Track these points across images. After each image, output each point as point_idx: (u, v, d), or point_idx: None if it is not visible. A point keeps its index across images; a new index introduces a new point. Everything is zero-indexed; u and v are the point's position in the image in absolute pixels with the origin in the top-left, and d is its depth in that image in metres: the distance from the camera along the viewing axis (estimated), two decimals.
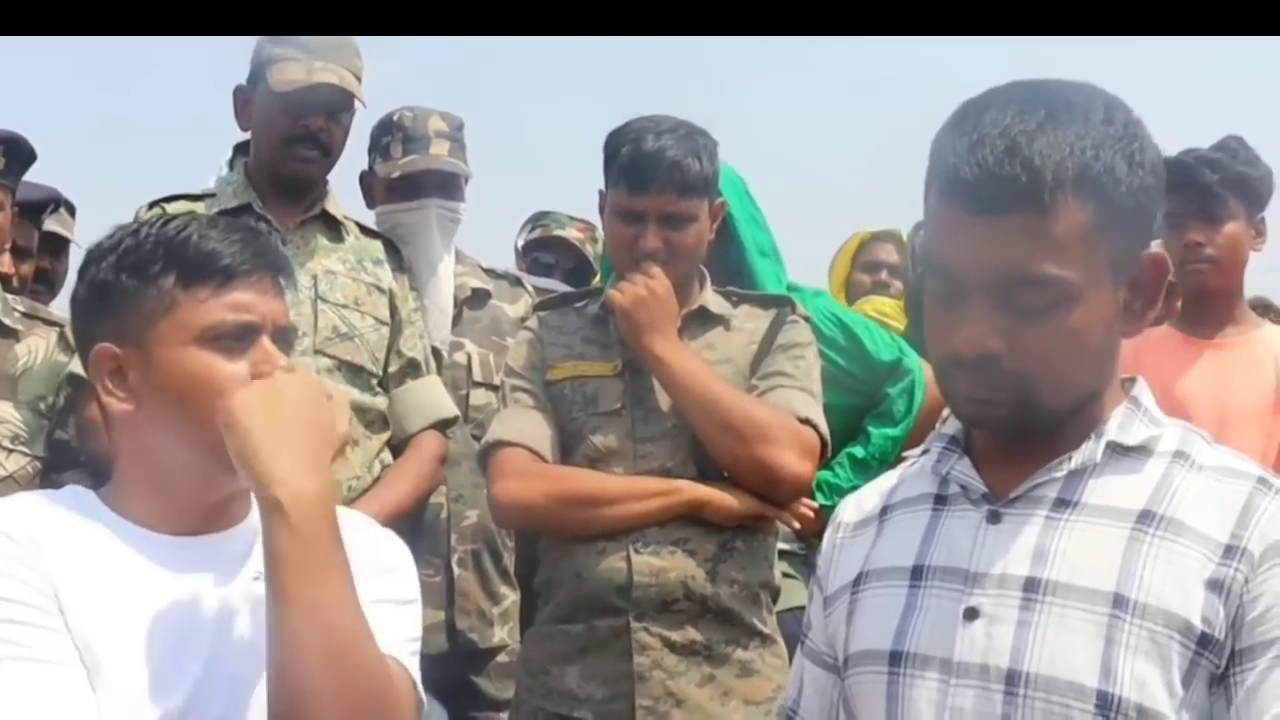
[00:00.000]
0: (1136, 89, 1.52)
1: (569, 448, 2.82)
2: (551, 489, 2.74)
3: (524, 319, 3.53)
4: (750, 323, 2.88)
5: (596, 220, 4.07)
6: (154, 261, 1.64)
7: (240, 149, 4.22)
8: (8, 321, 3.06)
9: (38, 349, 3.07)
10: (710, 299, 2.89)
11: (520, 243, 4.23)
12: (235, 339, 1.62)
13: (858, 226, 4.94)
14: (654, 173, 2.74)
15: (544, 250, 4.12)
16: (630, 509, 2.71)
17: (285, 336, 1.67)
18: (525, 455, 2.77)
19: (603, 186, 2.86)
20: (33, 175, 3.32)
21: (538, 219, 4.22)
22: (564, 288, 3.86)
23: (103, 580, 1.57)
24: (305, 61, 3.03)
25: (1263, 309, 4.22)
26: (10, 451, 2.97)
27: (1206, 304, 3.28)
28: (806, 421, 2.71)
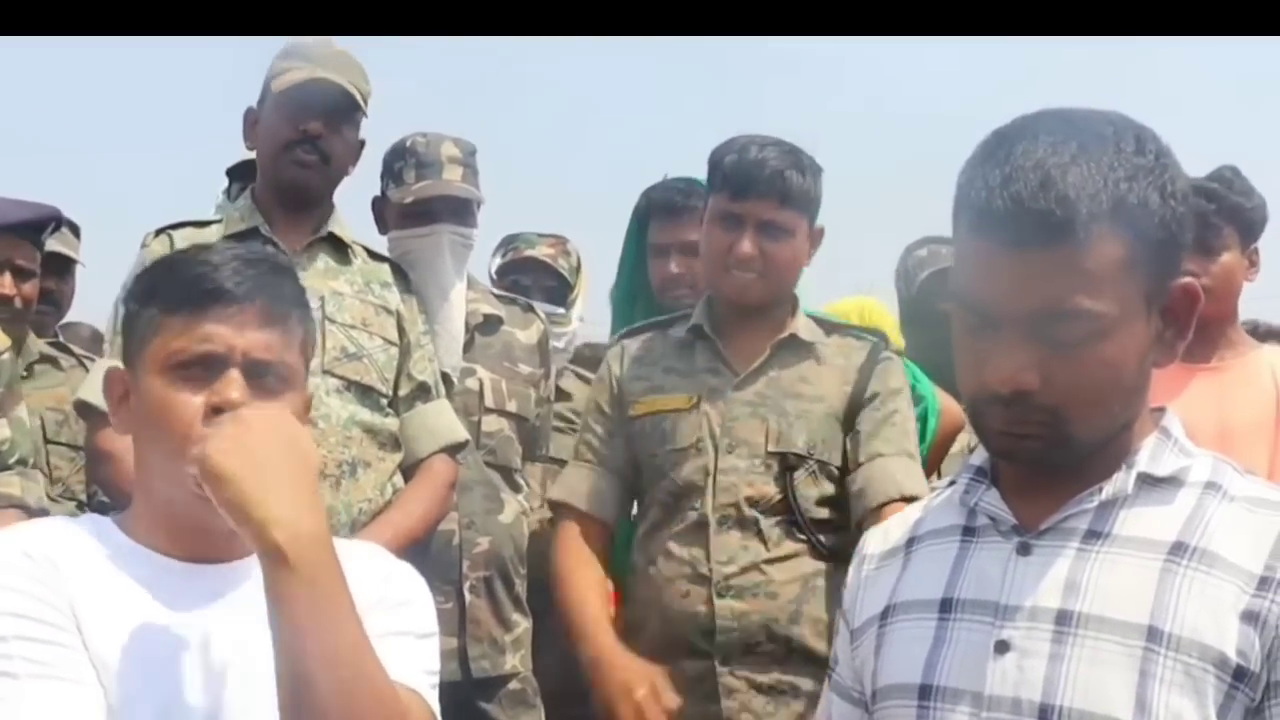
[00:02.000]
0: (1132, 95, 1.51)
1: (651, 483, 2.86)
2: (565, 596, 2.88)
3: (539, 342, 3.55)
4: (842, 358, 2.87)
5: (566, 234, 4.12)
6: (151, 287, 1.66)
7: (234, 175, 4.23)
8: None
9: None
10: (802, 325, 2.89)
11: (493, 268, 4.22)
12: (201, 368, 1.60)
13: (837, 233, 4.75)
14: (756, 178, 2.77)
15: (519, 273, 4.11)
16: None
17: (262, 370, 1.62)
18: (571, 527, 2.90)
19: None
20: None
21: (508, 242, 4.20)
22: (548, 307, 3.89)
23: (119, 605, 1.57)
24: (308, 69, 3.03)
25: (1263, 333, 4.23)
26: None
27: (1201, 331, 3.27)
28: (909, 498, 2.63)
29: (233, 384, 1.58)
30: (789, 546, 2.76)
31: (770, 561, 2.74)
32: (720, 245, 2.82)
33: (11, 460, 3.06)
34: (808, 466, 2.79)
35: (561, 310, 4.01)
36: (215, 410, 1.57)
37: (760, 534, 2.76)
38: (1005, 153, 1.40)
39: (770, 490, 2.77)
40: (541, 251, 4.05)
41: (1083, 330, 1.39)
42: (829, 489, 2.81)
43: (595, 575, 2.87)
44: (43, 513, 2.82)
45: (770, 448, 2.79)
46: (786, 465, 2.78)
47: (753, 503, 2.76)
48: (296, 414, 1.63)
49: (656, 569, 2.83)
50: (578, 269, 4.15)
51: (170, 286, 1.64)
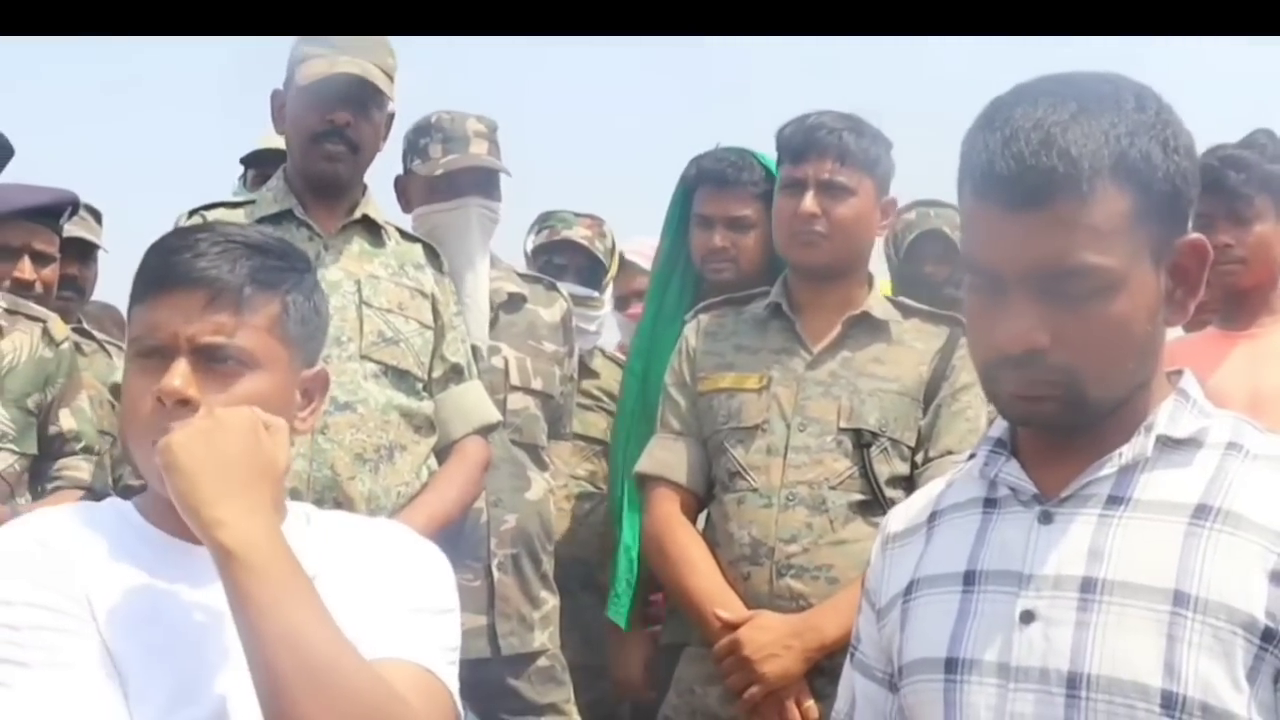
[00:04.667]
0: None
1: (713, 459, 2.89)
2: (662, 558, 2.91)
3: (562, 320, 3.56)
4: (920, 341, 2.89)
5: (603, 215, 4.12)
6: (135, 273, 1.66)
7: (249, 161, 4.24)
8: None
9: (22, 345, 3.08)
10: (876, 303, 2.90)
11: (529, 247, 4.22)
12: (158, 357, 1.59)
13: None
14: (812, 139, 2.82)
15: (555, 253, 4.10)
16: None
17: (214, 355, 1.59)
18: (671, 499, 2.90)
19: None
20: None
21: (543, 220, 4.18)
22: (581, 289, 3.91)
23: (133, 590, 1.57)
24: (330, 57, 3.03)
25: None
26: None
27: (1240, 300, 3.27)
28: None
29: (176, 374, 1.57)
30: (855, 529, 2.76)
31: (835, 544, 2.75)
32: (785, 211, 2.86)
33: (79, 448, 3.11)
34: (880, 444, 2.80)
35: (595, 293, 4.00)
36: (159, 401, 1.57)
37: (827, 513, 2.77)
38: (1005, 116, 1.41)
39: (841, 466, 2.78)
40: (578, 233, 4.03)
41: (1090, 286, 1.39)
42: (901, 468, 2.82)
43: (706, 552, 2.88)
44: (107, 497, 2.87)
45: (842, 424, 2.80)
46: (860, 442, 2.79)
47: (823, 481, 2.77)
48: (268, 395, 1.61)
49: (719, 550, 2.86)
50: (612, 251, 4.14)
51: (137, 274, 1.65)
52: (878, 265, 4.12)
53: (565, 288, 3.79)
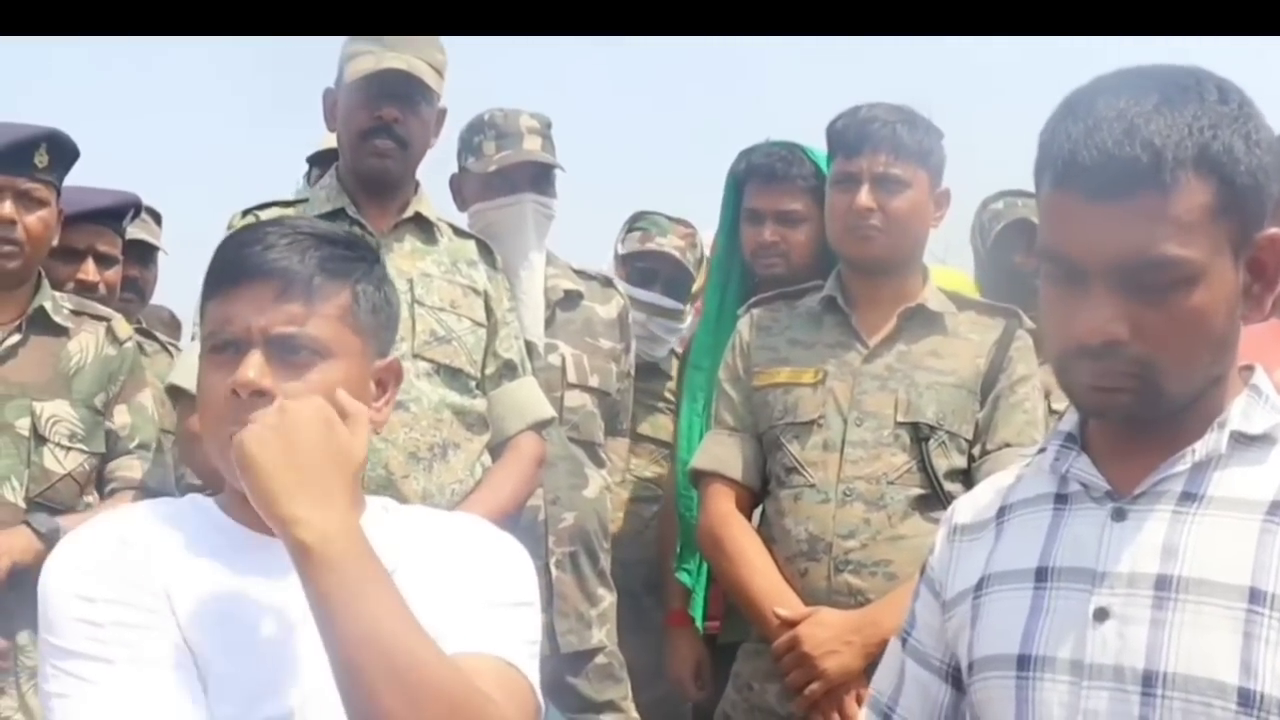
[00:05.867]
0: None
1: (768, 452, 2.89)
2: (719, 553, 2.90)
3: (619, 317, 3.55)
4: (976, 333, 2.88)
5: (694, 220, 4.10)
6: (206, 271, 1.68)
7: (314, 160, 4.25)
8: (58, 319, 3.08)
9: (88, 346, 3.10)
10: (931, 296, 2.89)
11: (619, 250, 4.20)
12: (232, 350, 1.61)
13: None
14: (866, 133, 2.81)
15: (646, 261, 4.05)
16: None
17: (287, 345, 1.61)
18: (726, 495, 2.89)
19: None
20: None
21: (635, 221, 4.15)
22: (668, 302, 3.89)
23: (213, 585, 1.59)
24: (378, 53, 3.03)
25: None
26: (69, 449, 3.01)
27: None
28: None
29: (250, 365, 1.58)
30: (914, 524, 2.75)
31: (893, 539, 2.74)
32: (840, 205, 2.85)
33: (133, 445, 3.13)
34: (938, 437, 2.79)
35: (681, 306, 3.96)
36: (234, 393, 1.58)
37: (885, 508, 2.76)
38: (1087, 107, 1.40)
39: (899, 461, 2.77)
40: (672, 243, 3.98)
41: (1171, 278, 1.38)
42: (959, 462, 2.81)
43: (763, 549, 2.87)
44: (166, 494, 2.87)
45: (900, 418, 2.79)
46: (918, 436, 2.78)
47: (882, 475, 2.76)
48: (342, 384, 1.61)
49: (775, 546, 2.85)
50: (700, 261, 4.09)
51: (209, 270, 1.67)
52: (964, 255, 4.08)
53: (652, 296, 3.81)
